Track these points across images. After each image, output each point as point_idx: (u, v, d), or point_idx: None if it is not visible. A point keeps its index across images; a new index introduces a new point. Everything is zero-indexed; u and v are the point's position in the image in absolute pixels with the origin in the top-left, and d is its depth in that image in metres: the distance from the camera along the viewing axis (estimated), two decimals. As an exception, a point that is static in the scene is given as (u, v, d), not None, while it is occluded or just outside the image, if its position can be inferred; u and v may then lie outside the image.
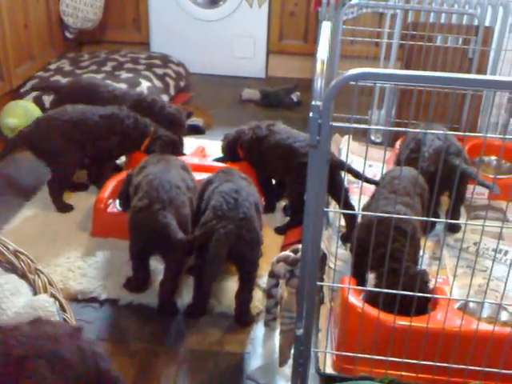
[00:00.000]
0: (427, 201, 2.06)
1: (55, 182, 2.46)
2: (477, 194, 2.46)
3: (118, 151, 2.58)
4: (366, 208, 2.01)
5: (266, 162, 2.42)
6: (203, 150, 2.80)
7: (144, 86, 3.36)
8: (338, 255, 2.06)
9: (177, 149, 2.63)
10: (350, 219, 2.22)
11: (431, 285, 1.75)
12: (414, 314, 1.55)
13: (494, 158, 2.72)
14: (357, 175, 2.21)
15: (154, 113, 2.73)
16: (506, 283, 1.58)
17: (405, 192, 1.97)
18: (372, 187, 2.16)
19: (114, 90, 2.84)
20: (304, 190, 2.35)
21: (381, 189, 2.01)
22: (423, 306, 1.66)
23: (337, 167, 2.16)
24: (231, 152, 2.55)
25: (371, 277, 1.81)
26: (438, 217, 2.34)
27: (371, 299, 1.67)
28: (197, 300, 1.90)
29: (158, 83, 3.49)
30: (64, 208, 2.45)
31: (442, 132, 2.20)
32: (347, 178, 2.28)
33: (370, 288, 1.71)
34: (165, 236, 1.81)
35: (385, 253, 1.59)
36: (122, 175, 2.38)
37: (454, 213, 2.32)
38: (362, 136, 2.99)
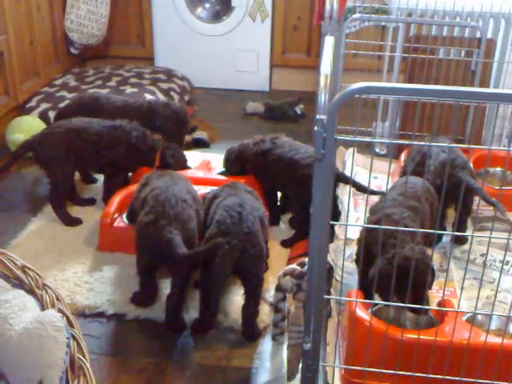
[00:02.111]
0: (436, 210, 2.06)
1: (54, 195, 2.47)
2: (483, 205, 2.45)
3: (124, 163, 2.56)
4: (373, 208, 2.01)
5: (271, 175, 2.43)
6: (209, 164, 2.81)
7: (149, 100, 3.39)
8: (345, 268, 2.06)
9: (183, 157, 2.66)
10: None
11: (439, 298, 1.74)
12: (412, 300, 1.54)
13: (499, 169, 2.72)
14: (361, 189, 2.22)
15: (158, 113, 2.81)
16: (514, 295, 1.58)
17: (414, 196, 1.97)
18: (377, 197, 2.16)
19: (114, 102, 2.85)
20: (308, 202, 2.34)
21: (391, 191, 2.02)
22: (421, 291, 1.65)
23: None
24: (235, 166, 2.56)
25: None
26: (444, 229, 2.33)
27: (363, 286, 1.72)
28: (203, 315, 1.90)
29: (162, 98, 3.52)
30: (72, 222, 2.46)
31: (446, 145, 2.21)
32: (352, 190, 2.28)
33: (377, 301, 1.70)
34: (169, 251, 1.81)
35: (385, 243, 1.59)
36: (128, 189, 2.39)
37: (461, 225, 2.31)
38: (366, 148, 2.99)
